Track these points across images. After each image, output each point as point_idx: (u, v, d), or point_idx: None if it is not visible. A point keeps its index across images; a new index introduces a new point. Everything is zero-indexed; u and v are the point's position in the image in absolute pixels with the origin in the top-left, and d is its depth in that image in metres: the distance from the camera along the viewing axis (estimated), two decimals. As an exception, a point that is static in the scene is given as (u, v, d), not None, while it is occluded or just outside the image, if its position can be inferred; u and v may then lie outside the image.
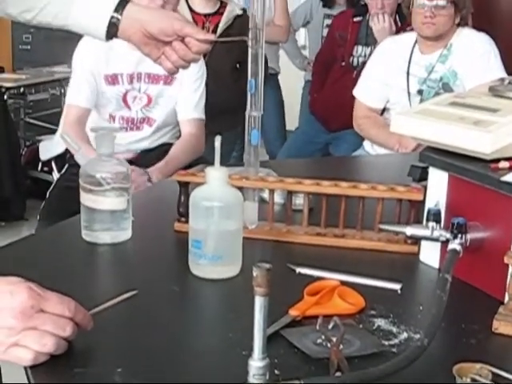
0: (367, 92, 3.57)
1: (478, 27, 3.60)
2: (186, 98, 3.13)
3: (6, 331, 1.02)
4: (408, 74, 3.42)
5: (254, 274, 0.95)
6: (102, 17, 1.62)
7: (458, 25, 3.39)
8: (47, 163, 4.86)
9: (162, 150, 3.06)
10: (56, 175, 4.24)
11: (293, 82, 5.57)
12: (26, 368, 1.07)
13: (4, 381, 1.62)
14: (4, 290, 1.04)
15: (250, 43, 1.58)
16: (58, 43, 6.22)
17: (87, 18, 1.65)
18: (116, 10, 1.62)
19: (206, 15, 3.97)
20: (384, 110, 3.54)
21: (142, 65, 2.98)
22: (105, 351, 1.12)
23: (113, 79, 3.05)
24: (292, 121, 5.26)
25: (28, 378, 1.07)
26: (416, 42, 3.44)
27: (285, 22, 5.00)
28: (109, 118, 3.08)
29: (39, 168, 5.34)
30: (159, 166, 2.95)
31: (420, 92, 3.39)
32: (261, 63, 1.59)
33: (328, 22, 5.19)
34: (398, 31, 4.08)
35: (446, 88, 3.29)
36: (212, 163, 1.42)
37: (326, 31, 5.12)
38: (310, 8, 5.40)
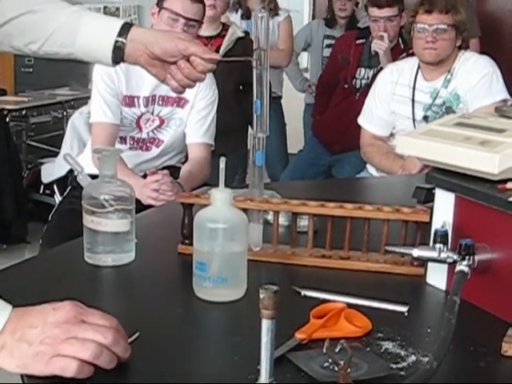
0: (371, 120, 3.56)
1: (483, 50, 3.60)
2: (196, 122, 3.12)
3: (49, 340, 1.04)
4: (413, 101, 3.42)
5: (261, 296, 0.94)
6: (107, 41, 1.62)
7: (460, 48, 3.39)
8: (49, 186, 4.84)
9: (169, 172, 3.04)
10: (58, 198, 4.23)
11: (295, 105, 5.58)
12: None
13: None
14: (48, 308, 1.09)
15: (254, 64, 1.57)
16: (60, 66, 6.23)
17: (92, 44, 1.65)
18: (120, 34, 1.62)
19: (207, 38, 3.98)
20: (391, 135, 3.53)
21: (159, 88, 2.99)
22: (106, 372, 1.10)
23: (130, 101, 3.04)
24: (294, 144, 5.26)
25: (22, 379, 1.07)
26: (419, 67, 3.43)
27: (287, 47, 5.02)
28: (120, 139, 3.06)
29: (41, 191, 5.32)
30: (182, 179, 2.94)
31: (425, 118, 3.38)
32: (266, 84, 1.59)
33: (328, 42, 5.21)
34: (400, 54, 4.09)
35: (450, 112, 3.28)
36: (215, 186, 1.41)
37: (326, 51, 5.15)
38: (310, 31, 5.42)
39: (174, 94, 3.01)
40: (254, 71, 1.58)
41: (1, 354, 1.06)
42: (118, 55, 1.64)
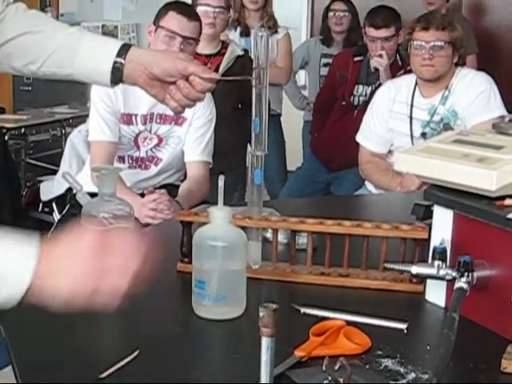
0: (369, 137, 3.56)
1: (480, 67, 3.61)
2: (194, 140, 3.13)
3: (86, 277, 1.09)
4: (411, 118, 3.42)
5: (261, 314, 0.94)
6: (106, 62, 1.63)
7: (457, 64, 3.40)
8: (48, 204, 4.83)
9: (167, 190, 3.04)
10: (57, 216, 4.22)
11: (294, 123, 5.58)
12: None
13: None
14: (73, 239, 1.13)
15: (253, 83, 1.58)
16: (58, 84, 6.23)
17: (91, 65, 1.66)
18: (119, 55, 1.63)
19: (207, 56, 3.99)
20: (389, 152, 3.54)
21: (157, 106, 2.99)
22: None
23: (128, 119, 3.04)
24: (292, 161, 5.26)
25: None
26: (416, 84, 3.44)
27: (286, 65, 5.01)
28: (118, 158, 3.07)
29: (40, 209, 5.32)
30: (181, 197, 2.95)
31: (423, 135, 3.38)
32: (265, 103, 1.59)
33: (325, 61, 5.20)
34: (398, 71, 4.10)
35: (447, 128, 3.27)
36: (214, 204, 1.42)
37: (323, 70, 5.14)
38: (307, 49, 5.42)
39: (171, 113, 3.01)
40: (254, 90, 1.58)
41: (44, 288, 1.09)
42: (117, 76, 1.64)
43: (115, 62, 1.62)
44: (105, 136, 2.98)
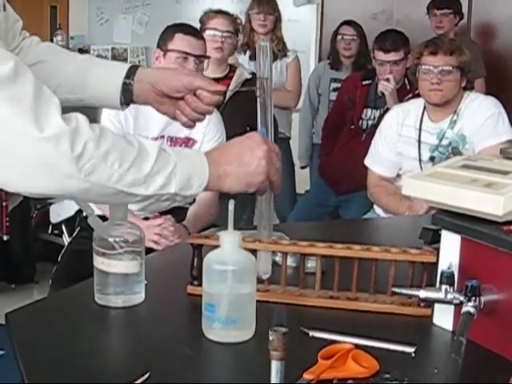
0: (378, 161, 3.58)
1: (489, 90, 3.61)
2: None
3: (262, 166, 1.45)
4: (419, 142, 3.43)
5: (271, 337, 0.95)
6: (115, 84, 1.67)
7: (465, 88, 3.42)
8: (57, 226, 4.87)
9: (175, 213, 3.05)
10: (66, 238, 4.25)
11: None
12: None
13: None
14: (244, 140, 1.51)
15: (257, 93, 1.59)
16: (67, 106, 6.26)
17: (101, 88, 1.69)
18: (127, 76, 1.67)
19: (215, 79, 4.01)
20: (397, 176, 3.55)
21: (168, 129, 3.01)
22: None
23: None
24: (301, 184, 5.26)
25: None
26: (424, 108, 3.46)
27: (295, 88, 5.04)
28: None
29: (49, 231, 5.34)
30: (188, 221, 2.96)
31: (432, 159, 3.39)
32: (270, 112, 1.60)
33: (335, 85, 5.20)
34: (406, 94, 4.12)
35: (456, 152, 3.28)
36: (223, 227, 1.43)
37: (332, 95, 5.14)
38: (317, 76, 5.42)
39: (182, 135, 3.04)
40: (258, 100, 1.59)
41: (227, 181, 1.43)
42: (127, 97, 1.68)
43: (124, 83, 1.67)
44: None
